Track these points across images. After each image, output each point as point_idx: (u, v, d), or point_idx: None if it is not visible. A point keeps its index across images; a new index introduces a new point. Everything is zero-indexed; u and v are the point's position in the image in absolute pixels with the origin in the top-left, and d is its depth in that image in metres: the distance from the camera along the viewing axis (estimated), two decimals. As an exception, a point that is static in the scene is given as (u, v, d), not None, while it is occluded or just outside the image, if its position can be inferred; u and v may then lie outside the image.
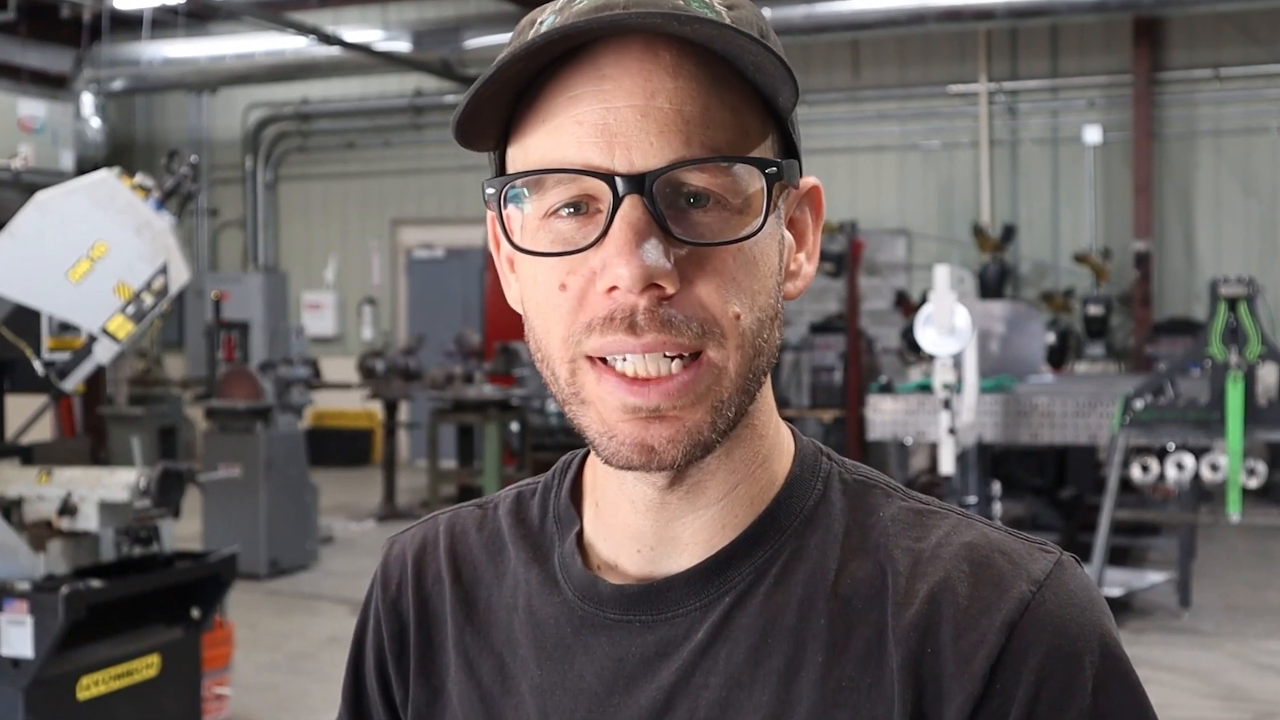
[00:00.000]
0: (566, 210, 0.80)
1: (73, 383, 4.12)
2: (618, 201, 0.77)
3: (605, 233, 0.78)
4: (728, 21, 0.78)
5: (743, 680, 0.82)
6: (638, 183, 0.77)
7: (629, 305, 0.77)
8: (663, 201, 0.78)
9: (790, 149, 0.84)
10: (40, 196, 4.02)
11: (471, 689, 0.91)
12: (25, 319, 4.16)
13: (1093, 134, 11.54)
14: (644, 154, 0.77)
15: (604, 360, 0.79)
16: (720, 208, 0.79)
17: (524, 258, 0.83)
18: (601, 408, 0.80)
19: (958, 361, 6.34)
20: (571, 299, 0.79)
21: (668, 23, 0.76)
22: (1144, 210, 11.49)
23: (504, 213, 0.82)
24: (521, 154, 0.82)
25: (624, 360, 0.79)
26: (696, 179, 0.78)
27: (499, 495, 0.99)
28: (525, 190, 0.81)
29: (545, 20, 0.80)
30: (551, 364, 0.82)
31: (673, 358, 0.79)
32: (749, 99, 0.81)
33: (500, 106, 0.81)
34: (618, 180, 0.77)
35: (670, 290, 0.77)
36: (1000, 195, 12.18)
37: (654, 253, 0.77)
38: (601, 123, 0.78)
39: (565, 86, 0.79)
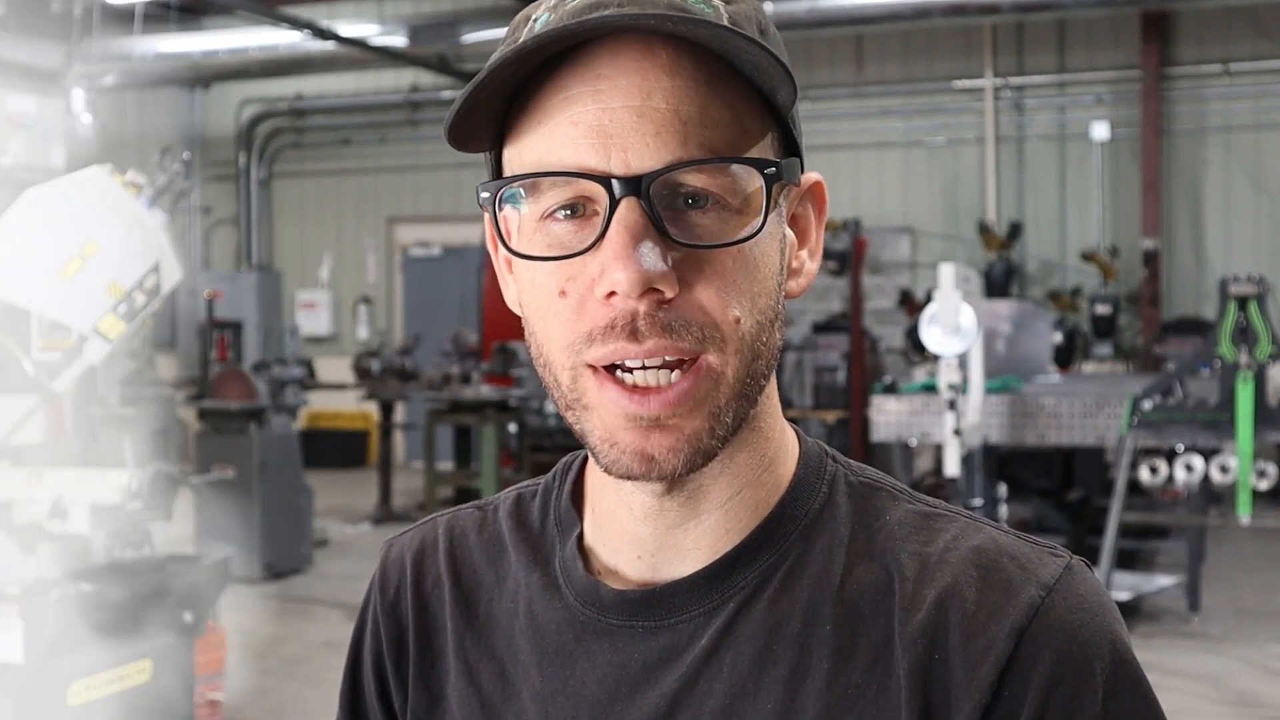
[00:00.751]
0: (563, 213, 0.79)
1: (63, 383, 4.09)
2: (614, 204, 0.76)
3: (602, 236, 0.77)
4: (725, 19, 0.77)
5: (747, 687, 0.82)
6: (634, 185, 0.76)
7: (629, 311, 0.76)
8: (660, 203, 0.77)
9: (791, 145, 0.83)
10: (30, 193, 4.01)
11: (472, 695, 0.90)
12: (15, 318, 4.13)
13: (1100, 130, 11.49)
14: (640, 155, 0.76)
15: (605, 368, 0.78)
16: (719, 208, 0.78)
17: (521, 260, 0.81)
18: (603, 415, 0.79)
19: (963, 361, 6.31)
20: (571, 306, 0.78)
21: (662, 23, 0.74)
22: (1152, 207, 11.43)
23: (499, 215, 0.82)
24: (517, 155, 0.81)
25: (627, 372, 0.78)
26: (694, 180, 0.77)
27: (499, 497, 0.98)
28: (521, 192, 0.80)
29: (539, 18, 0.79)
30: (554, 369, 0.81)
31: (673, 366, 0.78)
32: (748, 96, 0.79)
33: (494, 108, 0.80)
34: (614, 183, 0.76)
35: (669, 294, 0.76)
36: (1006, 192, 12.12)
37: (651, 256, 0.76)
38: (597, 124, 0.77)
39: (560, 87, 0.78)
